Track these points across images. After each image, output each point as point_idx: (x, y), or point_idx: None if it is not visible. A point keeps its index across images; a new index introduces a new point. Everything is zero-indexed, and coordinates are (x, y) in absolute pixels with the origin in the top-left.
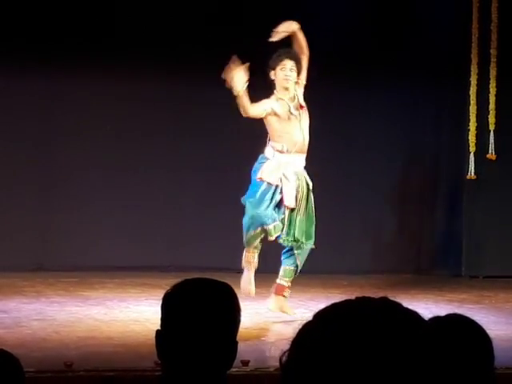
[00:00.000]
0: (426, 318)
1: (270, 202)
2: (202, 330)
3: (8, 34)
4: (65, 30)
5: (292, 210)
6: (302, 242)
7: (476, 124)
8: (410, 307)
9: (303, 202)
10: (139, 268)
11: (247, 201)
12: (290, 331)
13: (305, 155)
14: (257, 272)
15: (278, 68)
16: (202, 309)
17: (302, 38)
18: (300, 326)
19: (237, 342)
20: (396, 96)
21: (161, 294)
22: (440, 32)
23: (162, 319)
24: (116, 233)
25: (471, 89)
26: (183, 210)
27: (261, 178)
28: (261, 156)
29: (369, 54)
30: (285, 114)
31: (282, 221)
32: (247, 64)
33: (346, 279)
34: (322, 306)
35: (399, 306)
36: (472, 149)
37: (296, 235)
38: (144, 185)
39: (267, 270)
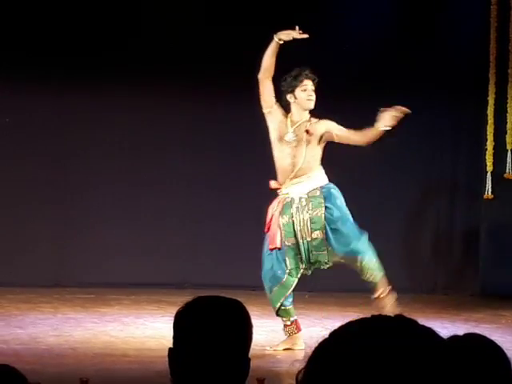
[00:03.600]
0: (443, 337)
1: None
2: (214, 348)
3: (24, 53)
4: (79, 49)
5: (296, 243)
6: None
7: (493, 143)
8: None
9: (306, 229)
10: (155, 285)
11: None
12: (306, 349)
13: (309, 175)
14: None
15: (299, 89)
16: (212, 326)
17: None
18: (316, 344)
19: (249, 359)
20: (413, 115)
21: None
22: (458, 52)
23: (174, 337)
24: (132, 250)
25: (489, 108)
26: (200, 227)
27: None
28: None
29: (387, 74)
30: (280, 134)
31: (295, 259)
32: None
33: (362, 298)
34: (337, 324)
35: (415, 323)
36: (489, 168)
37: (321, 259)
38: (161, 202)
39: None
